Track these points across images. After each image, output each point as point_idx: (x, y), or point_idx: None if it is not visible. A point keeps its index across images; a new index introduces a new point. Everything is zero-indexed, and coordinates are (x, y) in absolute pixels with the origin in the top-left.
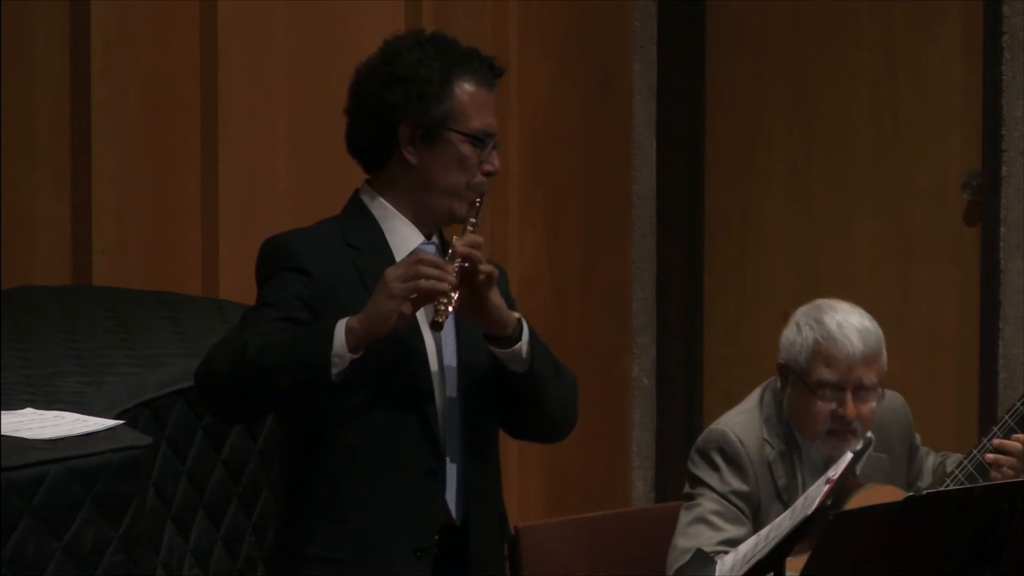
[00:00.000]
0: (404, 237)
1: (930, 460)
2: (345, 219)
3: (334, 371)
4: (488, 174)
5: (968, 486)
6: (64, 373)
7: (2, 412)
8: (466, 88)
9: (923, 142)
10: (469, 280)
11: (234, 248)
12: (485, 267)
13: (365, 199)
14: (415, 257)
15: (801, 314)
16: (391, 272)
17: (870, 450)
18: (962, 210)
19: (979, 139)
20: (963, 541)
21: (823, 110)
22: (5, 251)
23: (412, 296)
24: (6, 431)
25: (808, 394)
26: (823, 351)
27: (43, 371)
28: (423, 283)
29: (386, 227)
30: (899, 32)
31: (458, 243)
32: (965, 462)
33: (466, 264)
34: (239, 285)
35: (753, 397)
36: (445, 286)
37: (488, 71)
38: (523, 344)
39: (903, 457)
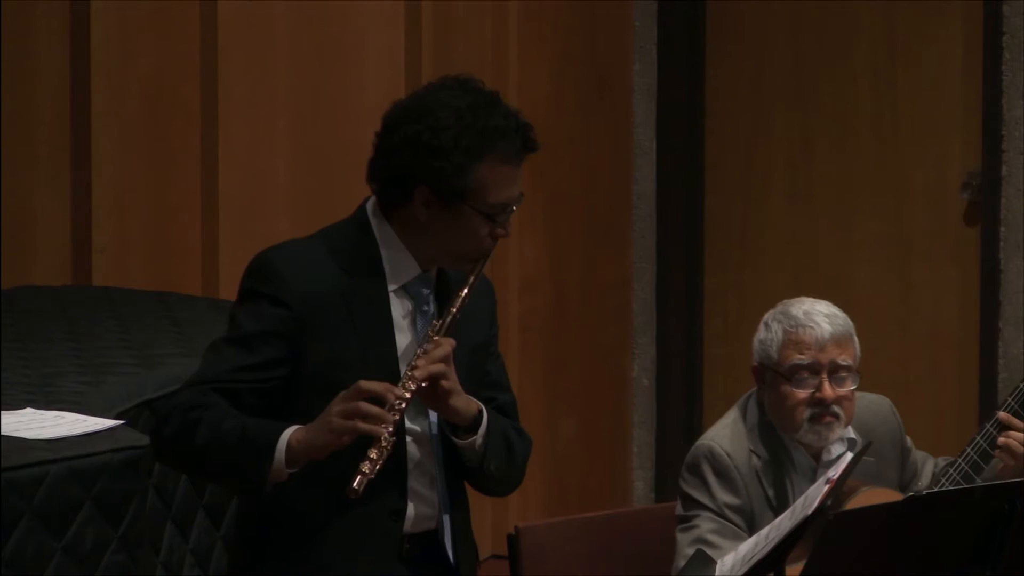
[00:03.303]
0: (401, 269)
1: (929, 465)
2: (346, 237)
3: (268, 486)
4: (496, 238)
5: (968, 486)
6: (64, 373)
7: (2, 412)
8: (492, 168)
9: (923, 142)
10: (431, 388)
11: (234, 248)
12: (447, 383)
13: (373, 220)
14: (358, 388)
15: (768, 315)
16: (335, 405)
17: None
18: (962, 210)
19: (979, 139)
20: (963, 541)
21: (823, 110)
22: (5, 251)
23: (351, 436)
24: (6, 431)
25: (784, 384)
26: (793, 338)
27: (43, 371)
28: (361, 426)
29: (386, 253)
30: (899, 32)
31: (420, 366)
32: (968, 449)
33: (424, 385)
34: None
35: (734, 410)
36: (380, 431)
37: (521, 146)
38: (478, 438)
39: (893, 460)
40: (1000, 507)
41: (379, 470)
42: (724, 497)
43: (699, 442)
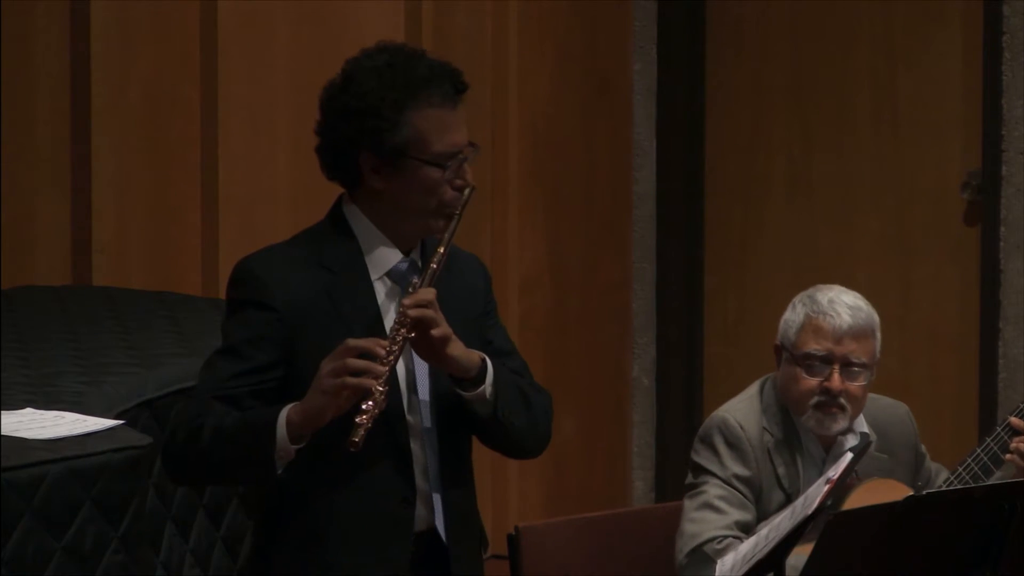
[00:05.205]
0: (381, 256)
1: (943, 477)
2: (324, 235)
3: (279, 466)
4: (459, 189)
5: (968, 486)
6: (64, 373)
7: (2, 412)
8: (424, 114)
9: (923, 142)
10: (425, 334)
11: (234, 248)
12: (438, 330)
13: (346, 212)
14: (345, 347)
15: (798, 296)
16: (325, 365)
17: (870, 450)
18: (962, 210)
19: (979, 139)
20: (963, 541)
21: (823, 110)
22: (5, 251)
23: (343, 392)
24: (6, 431)
25: (796, 368)
26: (812, 324)
27: (43, 371)
28: (349, 380)
29: (364, 245)
30: (899, 32)
31: (409, 307)
32: (979, 451)
33: (413, 335)
34: None
35: (753, 387)
36: (371, 382)
37: (451, 89)
38: (487, 387)
39: (907, 463)
40: (1000, 507)
41: (376, 416)
42: (734, 467)
43: (714, 414)
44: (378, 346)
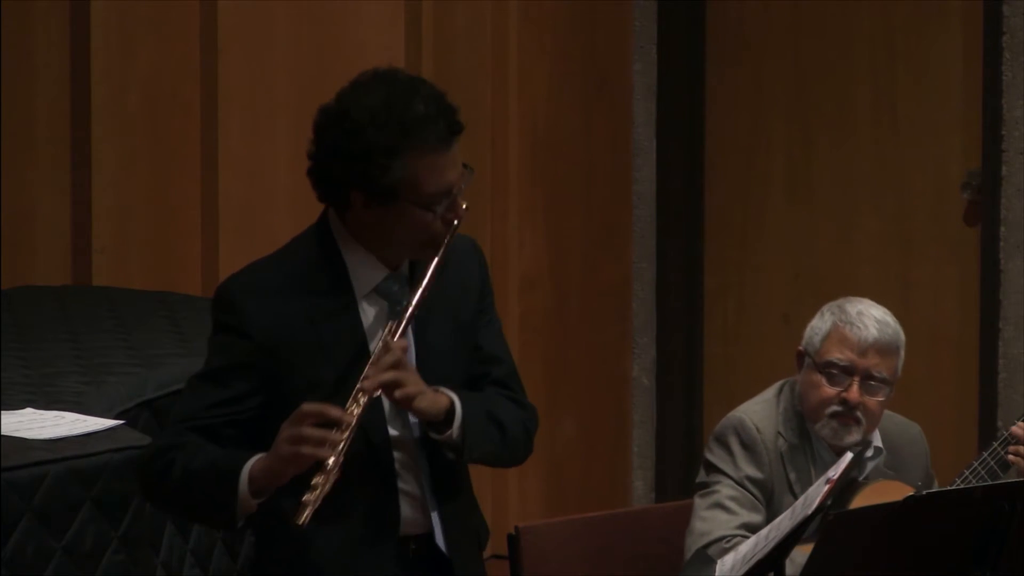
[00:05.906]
0: (368, 273)
1: None
2: (308, 251)
3: (240, 518)
4: (450, 223)
5: (968, 486)
6: (64, 373)
7: (2, 412)
8: (417, 158)
9: (923, 142)
10: (390, 392)
11: (234, 248)
12: (403, 390)
13: (333, 228)
14: (302, 412)
15: (827, 305)
16: (284, 429)
17: (879, 460)
18: (962, 210)
19: (979, 139)
20: (963, 541)
21: (823, 110)
22: (5, 251)
23: (297, 461)
24: (6, 431)
25: (817, 375)
26: (838, 333)
27: (43, 371)
28: (304, 450)
29: (350, 260)
30: (899, 32)
31: (370, 376)
32: (986, 455)
33: (377, 395)
34: None
35: (771, 390)
36: (326, 453)
37: (445, 130)
38: (454, 431)
39: (915, 482)
40: (1000, 507)
41: (327, 493)
42: (747, 469)
43: (731, 413)
44: (336, 413)
